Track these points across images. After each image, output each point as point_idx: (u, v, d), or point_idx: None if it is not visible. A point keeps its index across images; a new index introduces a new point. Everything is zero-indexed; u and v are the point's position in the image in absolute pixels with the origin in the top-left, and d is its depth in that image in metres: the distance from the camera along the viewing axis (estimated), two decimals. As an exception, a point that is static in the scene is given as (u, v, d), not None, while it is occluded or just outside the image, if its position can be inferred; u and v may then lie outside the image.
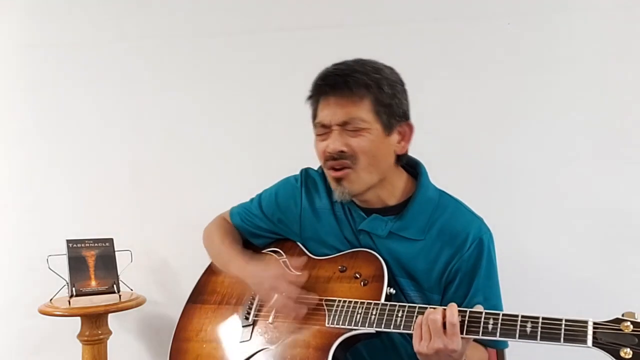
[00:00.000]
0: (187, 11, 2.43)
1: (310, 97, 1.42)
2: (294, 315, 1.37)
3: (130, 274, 2.24)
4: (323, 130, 1.38)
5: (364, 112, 1.34)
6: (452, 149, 2.20)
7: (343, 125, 1.35)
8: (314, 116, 1.42)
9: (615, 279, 2.09)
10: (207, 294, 1.57)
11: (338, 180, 1.38)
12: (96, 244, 2.22)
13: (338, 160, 1.36)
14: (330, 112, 1.36)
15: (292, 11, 2.35)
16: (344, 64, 1.39)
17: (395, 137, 1.39)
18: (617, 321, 1.07)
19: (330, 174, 1.40)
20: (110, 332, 2.18)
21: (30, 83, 2.51)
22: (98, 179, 2.46)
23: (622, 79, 2.12)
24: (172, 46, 2.44)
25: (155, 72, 2.45)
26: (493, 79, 2.20)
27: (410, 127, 1.42)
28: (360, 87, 1.33)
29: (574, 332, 1.08)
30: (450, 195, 1.46)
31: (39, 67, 2.49)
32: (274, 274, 1.40)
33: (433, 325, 1.17)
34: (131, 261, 2.23)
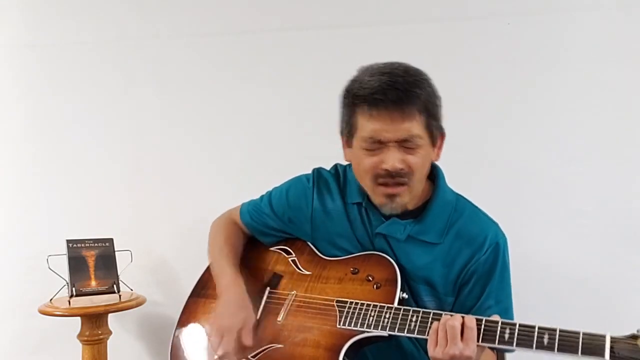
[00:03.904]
0: (187, 11, 2.43)
1: (357, 107, 1.34)
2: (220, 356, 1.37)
3: (130, 274, 2.24)
4: (376, 145, 1.32)
5: (420, 128, 1.31)
6: (451, 150, 2.19)
7: (401, 142, 1.31)
8: (356, 127, 1.35)
9: (616, 278, 2.09)
10: (211, 288, 1.55)
11: (391, 196, 1.35)
12: (96, 244, 2.22)
13: (395, 177, 1.32)
14: (388, 128, 1.29)
15: (292, 11, 2.35)
16: (394, 74, 1.30)
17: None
18: (634, 337, 1.09)
19: (382, 191, 1.35)
20: (110, 332, 2.18)
21: (30, 83, 2.51)
22: (98, 179, 2.46)
23: (623, 78, 2.12)
24: (172, 46, 2.44)
25: (155, 72, 2.45)
26: (493, 79, 2.20)
27: (443, 135, 1.41)
28: (419, 103, 1.29)
29: (591, 345, 1.09)
30: (466, 199, 1.46)
31: (39, 67, 2.49)
32: (239, 321, 1.38)
33: (451, 331, 1.17)
34: (131, 261, 2.23)
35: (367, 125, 1.32)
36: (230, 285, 1.46)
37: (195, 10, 2.42)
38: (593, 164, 2.14)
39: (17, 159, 2.51)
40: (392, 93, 1.28)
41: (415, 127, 1.30)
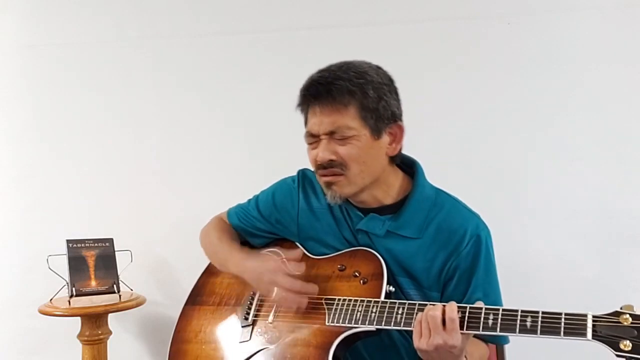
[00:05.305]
0: (187, 11, 2.43)
1: (298, 106, 1.42)
2: (296, 308, 1.37)
3: (130, 274, 2.24)
4: (312, 139, 1.39)
5: (349, 119, 1.33)
6: (452, 149, 2.20)
7: (330, 134, 1.35)
8: (305, 124, 1.42)
9: (616, 278, 2.10)
10: (205, 295, 1.57)
11: (328, 184, 1.39)
12: (96, 244, 2.23)
13: (328, 168, 1.36)
14: (317, 122, 1.35)
15: (292, 11, 2.36)
16: (328, 70, 1.37)
17: (385, 139, 1.39)
18: (616, 314, 1.07)
19: (320, 179, 1.41)
20: (110, 332, 2.18)
21: (31, 83, 2.51)
22: (98, 179, 2.46)
23: (622, 78, 2.12)
24: (172, 46, 2.44)
25: (155, 72, 2.45)
26: (493, 79, 2.21)
27: (401, 128, 1.41)
28: (343, 95, 1.32)
29: (573, 326, 1.09)
30: (447, 193, 1.46)
31: (39, 67, 2.50)
32: (272, 268, 1.39)
33: (432, 321, 1.17)
34: (131, 261, 2.23)
35: (307, 120, 1.40)
36: (242, 262, 1.47)
37: (195, 10, 2.42)
38: (593, 163, 2.14)
39: (17, 159, 2.51)
40: (313, 88, 1.35)
41: (341, 119, 1.33)
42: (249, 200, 1.64)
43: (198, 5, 2.42)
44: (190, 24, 2.43)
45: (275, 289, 1.37)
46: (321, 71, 1.38)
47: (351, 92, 1.32)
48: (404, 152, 1.45)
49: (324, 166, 1.36)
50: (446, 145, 2.19)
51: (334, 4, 2.33)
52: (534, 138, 2.18)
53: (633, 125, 2.12)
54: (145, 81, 2.45)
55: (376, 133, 1.36)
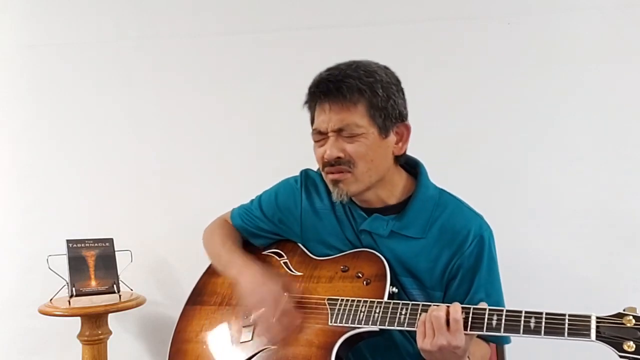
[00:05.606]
0: (187, 11, 2.43)
1: (306, 103, 1.43)
2: (269, 338, 1.37)
3: (130, 274, 2.24)
4: (320, 136, 1.39)
5: (358, 117, 1.34)
6: (452, 149, 2.20)
7: (339, 131, 1.35)
8: (312, 122, 1.43)
9: (616, 278, 2.10)
10: (206, 295, 1.57)
11: (335, 182, 1.39)
12: (96, 244, 2.23)
13: (335, 166, 1.37)
14: (326, 119, 1.36)
15: (293, 11, 2.36)
16: (337, 68, 1.38)
17: (392, 138, 1.40)
18: (620, 315, 1.08)
19: (327, 177, 1.42)
20: (110, 332, 2.18)
21: (31, 83, 2.51)
22: (98, 179, 2.46)
23: (622, 79, 2.12)
24: (172, 46, 2.44)
25: (156, 72, 2.45)
26: (493, 79, 2.20)
27: (407, 128, 1.42)
28: (353, 93, 1.33)
29: (577, 327, 1.09)
30: (450, 194, 1.47)
31: (39, 67, 2.49)
32: (269, 290, 1.38)
33: (437, 322, 1.17)
34: (131, 261, 2.23)
35: (314, 118, 1.41)
36: (243, 269, 1.46)
37: (195, 10, 2.42)
38: (593, 163, 2.14)
39: (17, 159, 2.51)
40: (324, 85, 1.36)
41: (349, 116, 1.34)
42: (252, 201, 1.64)
43: (198, 5, 2.42)
44: (190, 24, 2.43)
45: (262, 309, 1.37)
46: (330, 69, 1.39)
47: (361, 91, 1.33)
48: (405, 151, 1.46)
49: (332, 163, 1.37)
50: (446, 145, 2.19)
51: (334, 4, 2.33)
52: (534, 138, 2.18)
53: (633, 125, 2.12)
54: (145, 81, 2.45)
55: (384, 132, 1.37)
